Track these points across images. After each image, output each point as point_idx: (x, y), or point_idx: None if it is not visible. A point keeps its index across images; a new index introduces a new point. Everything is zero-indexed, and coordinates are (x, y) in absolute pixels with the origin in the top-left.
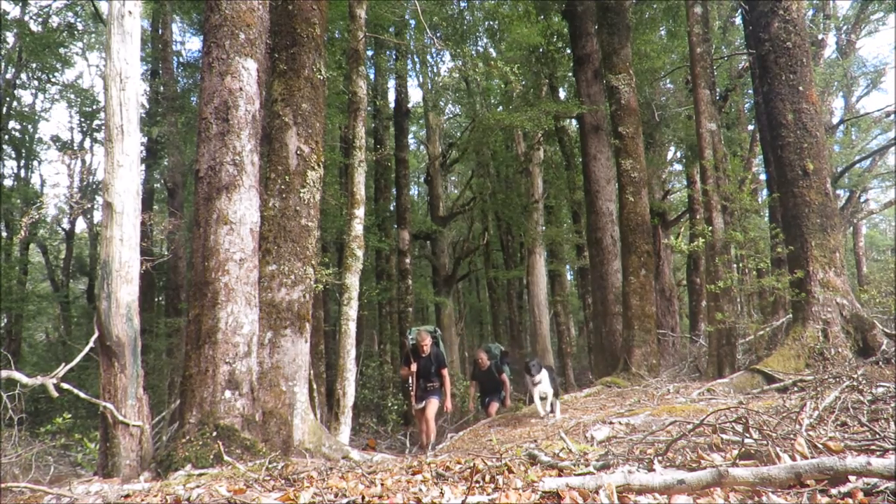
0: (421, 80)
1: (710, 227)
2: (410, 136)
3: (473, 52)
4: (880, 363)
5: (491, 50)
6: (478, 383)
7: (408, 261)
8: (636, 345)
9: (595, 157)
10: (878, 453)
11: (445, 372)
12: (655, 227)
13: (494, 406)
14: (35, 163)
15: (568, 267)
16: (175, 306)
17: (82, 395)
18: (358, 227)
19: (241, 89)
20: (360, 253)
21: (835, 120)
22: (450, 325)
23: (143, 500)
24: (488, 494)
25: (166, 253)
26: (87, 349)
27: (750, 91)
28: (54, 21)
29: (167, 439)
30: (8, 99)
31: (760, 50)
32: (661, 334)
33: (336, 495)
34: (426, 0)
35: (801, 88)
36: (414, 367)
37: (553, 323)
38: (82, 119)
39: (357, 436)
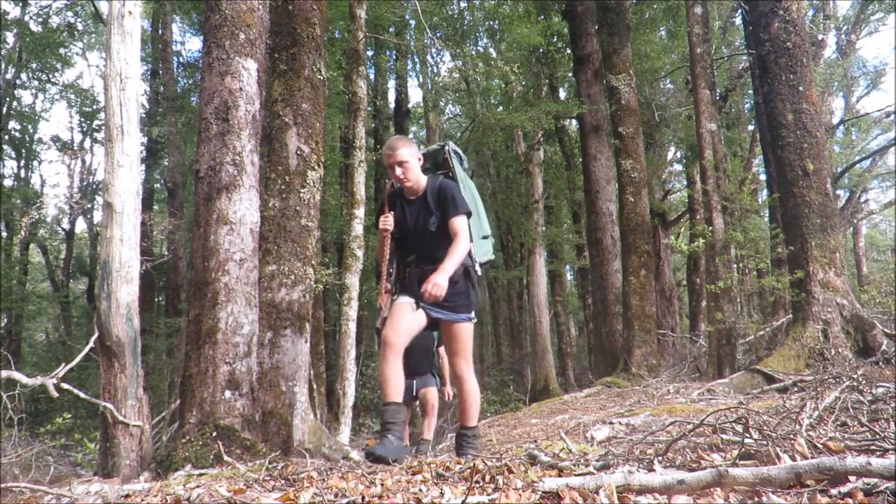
0: (421, 80)
1: (710, 228)
2: (410, 136)
3: (473, 52)
4: (880, 363)
5: (491, 50)
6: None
7: None
8: (636, 345)
9: (595, 157)
10: (878, 453)
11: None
12: (655, 227)
13: (432, 394)
14: (35, 163)
15: (568, 267)
16: (175, 306)
17: (82, 395)
18: (358, 227)
19: (241, 89)
20: (360, 253)
21: (835, 120)
22: None
23: (143, 500)
24: (488, 494)
25: (166, 253)
26: (87, 349)
27: (750, 91)
28: (54, 21)
29: (167, 439)
30: (8, 99)
31: (760, 50)
32: (661, 334)
33: (336, 495)
34: (426, 0)
35: (801, 88)
36: (389, 220)
37: (553, 323)
38: (82, 119)
39: (357, 436)
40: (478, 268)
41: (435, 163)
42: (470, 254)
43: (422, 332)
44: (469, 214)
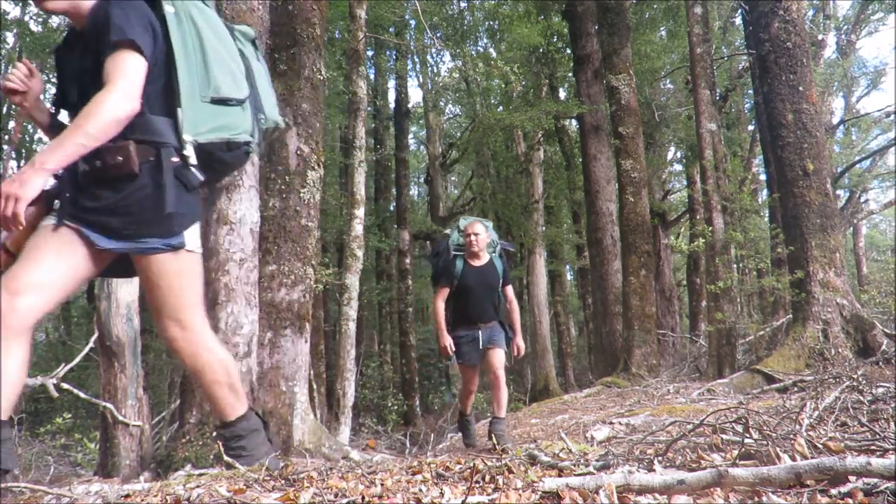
0: (421, 80)
1: (710, 227)
2: (410, 136)
3: (473, 52)
4: (880, 363)
5: (491, 50)
6: (456, 298)
7: (408, 261)
8: (636, 345)
9: (595, 157)
10: (878, 453)
11: None
12: (655, 227)
13: (499, 355)
14: None
15: (568, 267)
16: None
17: (82, 395)
18: (358, 227)
19: None
20: (360, 253)
21: (835, 120)
22: None
23: (143, 500)
24: (488, 495)
25: None
26: (87, 349)
27: (750, 91)
28: (54, 21)
29: (167, 439)
30: (8, 99)
31: (760, 50)
32: (661, 334)
33: (336, 495)
34: (426, 0)
35: (801, 88)
36: (17, 72)
37: (553, 323)
38: None
39: (357, 436)
40: (190, 153)
41: None
42: (159, 127)
43: (482, 267)
44: (135, 47)
